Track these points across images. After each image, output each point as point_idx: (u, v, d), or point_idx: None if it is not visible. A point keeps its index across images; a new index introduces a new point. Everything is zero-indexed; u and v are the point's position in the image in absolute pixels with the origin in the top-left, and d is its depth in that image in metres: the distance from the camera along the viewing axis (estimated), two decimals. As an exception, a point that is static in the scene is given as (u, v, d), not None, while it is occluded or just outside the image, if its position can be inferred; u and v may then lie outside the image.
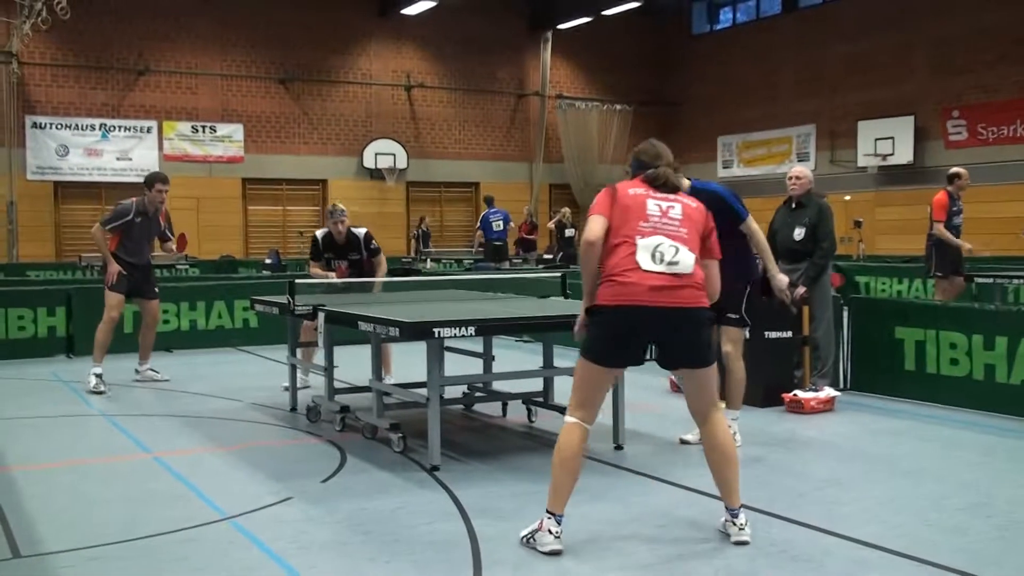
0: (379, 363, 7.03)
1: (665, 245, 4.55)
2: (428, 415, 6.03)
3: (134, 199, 9.61)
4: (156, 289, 9.97)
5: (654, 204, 4.65)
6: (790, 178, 8.51)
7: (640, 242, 4.54)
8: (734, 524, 4.63)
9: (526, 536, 4.59)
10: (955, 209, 11.77)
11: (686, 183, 5.34)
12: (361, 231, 8.98)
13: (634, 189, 4.71)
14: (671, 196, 4.72)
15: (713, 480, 4.73)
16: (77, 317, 11.79)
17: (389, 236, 24.69)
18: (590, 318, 4.68)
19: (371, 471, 6.04)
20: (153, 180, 9.62)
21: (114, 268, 9.48)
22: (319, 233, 9.05)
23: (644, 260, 4.52)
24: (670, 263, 4.53)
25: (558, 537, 4.49)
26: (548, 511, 4.55)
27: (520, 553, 4.48)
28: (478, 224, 19.95)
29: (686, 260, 4.55)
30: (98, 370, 9.19)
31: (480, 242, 20.65)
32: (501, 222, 19.71)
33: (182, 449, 6.76)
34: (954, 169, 12.12)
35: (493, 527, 4.85)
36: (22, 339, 11.54)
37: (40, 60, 23.63)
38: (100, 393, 8.96)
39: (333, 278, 8.86)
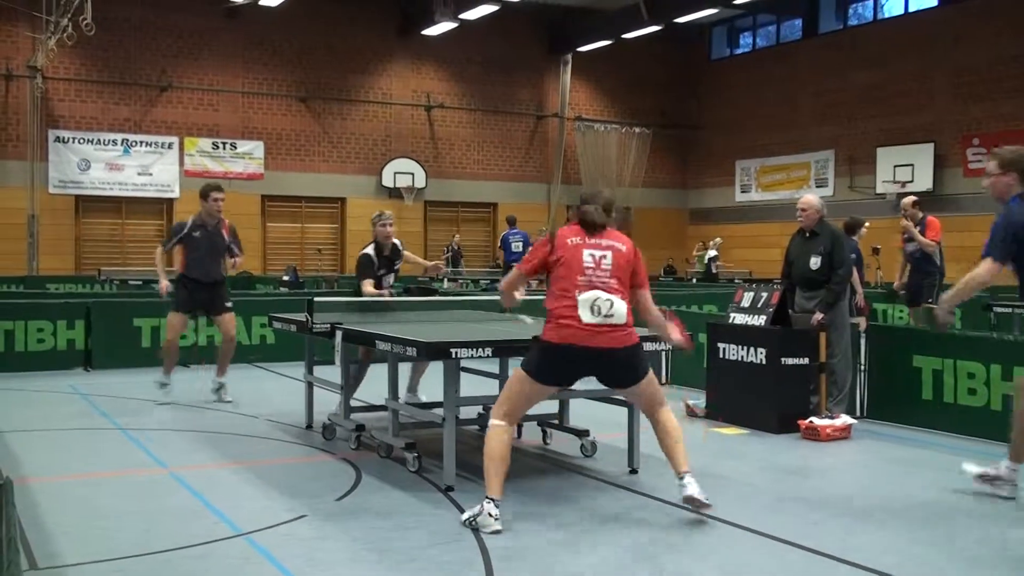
0: (395, 382, 7.04)
1: (602, 299, 5.31)
2: (444, 435, 6.04)
3: (192, 215, 9.59)
4: (228, 303, 9.63)
5: (588, 255, 5.40)
6: (797, 209, 8.56)
7: (579, 297, 5.30)
8: (681, 483, 5.46)
9: (469, 519, 5.18)
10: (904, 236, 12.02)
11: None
12: (397, 240, 8.98)
13: (572, 239, 5.45)
14: (604, 243, 5.44)
15: (666, 457, 5.62)
16: (96, 330, 11.87)
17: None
18: (536, 344, 5.45)
19: (386, 490, 6.04)
20: (208, 190, 9.57)
21: (162, 284, 9.55)
22: (369, 250, 8.76)
23: (584, 314, 5.29)
24: (606, 315, 5.31)
25: (497, 519, 5.10)
26: (488, 496, 5.17)
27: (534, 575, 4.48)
28: (499, 244, 19.96)
29: (620, 310, 5.35)
30: (164, 380, 9.40)
31: (499, 261, 20.63)
32: (521, 243, 19.73)
33: (198, 464, 6.79)
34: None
35: (506, 548, 4.84)
36: (41, 352, 11.62)
37: (64, 75, 23.87)
38: (166, 404, 9.16)
39: (386, 295, 8.85)
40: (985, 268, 5.54)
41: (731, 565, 4.66)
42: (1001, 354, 7.70)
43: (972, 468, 6.02)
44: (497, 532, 5.04)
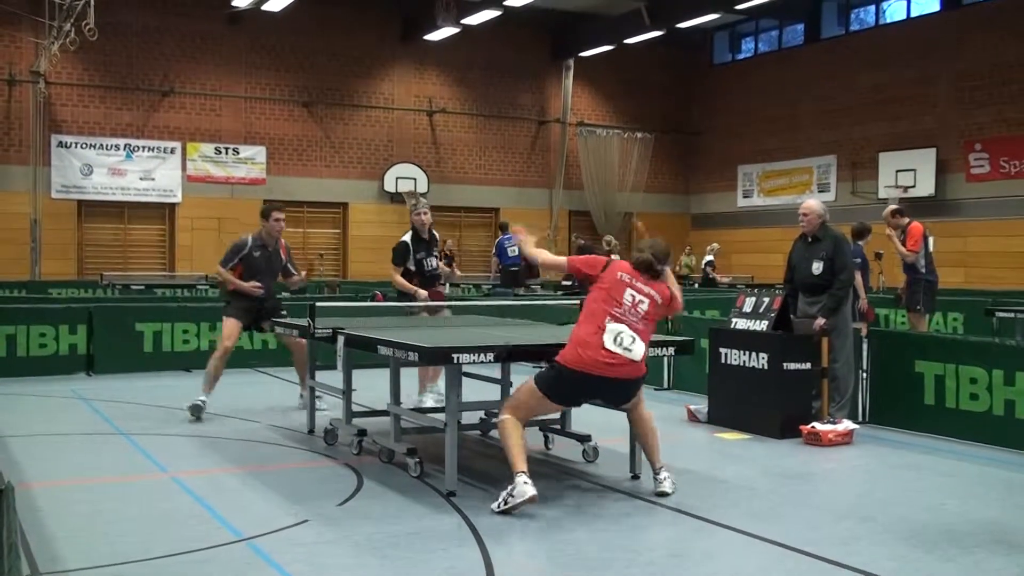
0: (397, 387, 7.04)
1: (626, 333, 5.79)
2: (445, 440, 6.04)
3: (250, 233, 9.36)
4: (283, 312, 9.33)
5: (629, 294, 5.88)
6: (799, 214, 8.58)
7: (608, 326, 5.78)
8: (656, 478, 6.03)
9: (501, 501, 5.56)
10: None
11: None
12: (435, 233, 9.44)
13: (623, 274, 5.96)
14: (646, 290, 5.90)
15: (641, 448, 6.26)
16: (98, 335, 11.88)
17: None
18: (554, 365, 5.87)
19: (388, 495, 6.04)
20: (270, 210, 9.34)
21: (250, 285, 9.12)
22: (406, 237, 9.26)
23: (608, 342, 5.76)
24: (626, 348, 5.77)
25: (531, 485, 5.52)
26: (518, 471, 5.58)
27: (535, 581, 4.48)
28: (494, 250, 19.98)
29: (638, 350, 5.82)
30: (203, 398, 8.78)
31: (497, 268, 20.63)
32: (516, 248, 19.74)
33: (200, 469, 6.79)
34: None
35: (508, 553, 4.84)
36: (43, 356, 11.63)
37: (67, 80, 23.90)
38: (196, 420, 8.64)
39: (420, 293, 8.99)
40: None
41: (733, 570, 4.66)
42: (1003, 359, 7.70)
43: None
44: (533, 499, 5.47)
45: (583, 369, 5.76)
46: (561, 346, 6.58)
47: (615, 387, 5.94)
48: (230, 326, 9.10)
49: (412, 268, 9.21)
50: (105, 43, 21.40)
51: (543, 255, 6.58)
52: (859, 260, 11.44)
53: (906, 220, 12.42)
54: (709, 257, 24.37)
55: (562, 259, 6.57)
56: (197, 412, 8.72)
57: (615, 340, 5.77)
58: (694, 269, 27.01)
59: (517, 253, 19.74)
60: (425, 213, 9.31)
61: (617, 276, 5.95)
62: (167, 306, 13.02)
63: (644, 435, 6.22)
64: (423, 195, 26.84)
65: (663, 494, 5.95)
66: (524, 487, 5.51)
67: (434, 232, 9.46)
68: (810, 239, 8.56)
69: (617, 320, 5.81)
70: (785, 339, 8.22)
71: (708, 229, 30.41)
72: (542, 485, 6.38)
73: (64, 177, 23.83)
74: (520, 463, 5.65)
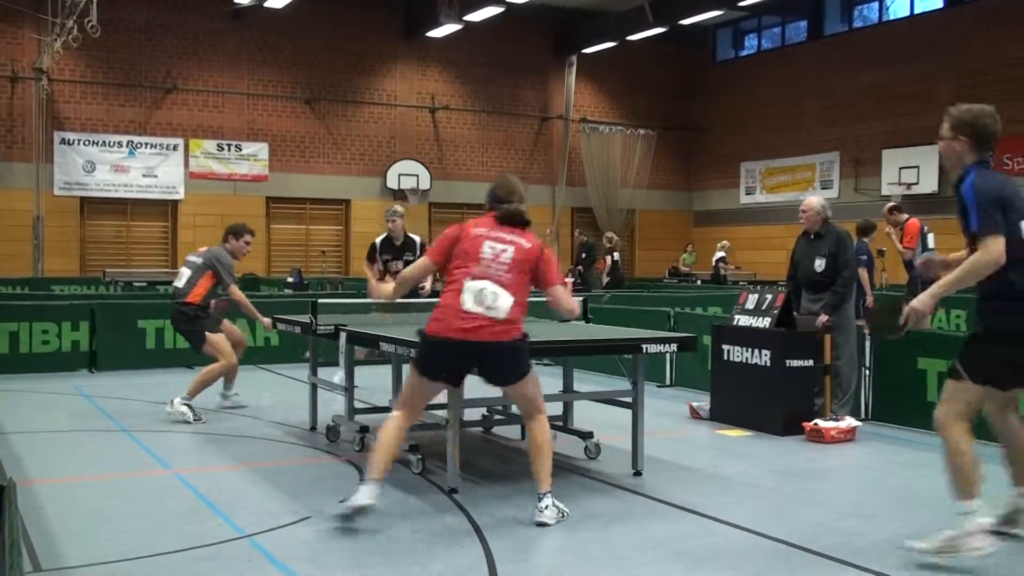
0: (399, 384, 7.03)
1: (488, 290, 5.26)
2: (447, 437, 6.04)
3: (227, 247, 9.17)
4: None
5: (489, 247, 5.37)
6: (800, 211, 8.60)
7: (467, 284, 5.27)
8: (537, 506, 5.33)
9: (347, 502, 5.18)
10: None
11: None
12: (417, 237, 9.77)
13: (478, 229, 5.46)
14: (508, 237, 5.40)
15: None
16: (100, 332, 11.89)
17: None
18: (420, 336, 5.45)
19: (389, 492, 6.03)
20: (244, 231, 9.26)
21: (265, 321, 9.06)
22: (378, 238, 9.88)
23: (467, 302, 5.24)
24: (488, 307, 5.23)
25: (370, 496, 5.16)
26: (368, 477, 5.23)
27: (537, 578, 4.48)
28: None
29: (503, 305, 5.26)
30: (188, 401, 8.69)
31: None
32: None
33: (202, 466, 6.79)
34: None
35: (510, 550, 4.84)
36: (46, 353, 11.64)
37: (70, 77, 23.90)
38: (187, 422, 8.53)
39: (373, 290, 9.13)
40: (997, 248, 4.53)
41: (736, 568, 4.65)
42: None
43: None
44: (362, 510, 5.11)
45: (441, 334, 5.28)
46: (563, 343, 6.61)
47: (481, 354, 5.32)
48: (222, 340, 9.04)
49: (380, 268, 9.73)
50: (108, 40, 21.41)
51: (399, 282, 5.86)
52: (864, 257, 11.43)
53: (904, 217, 12.42)
54: (721, 254, 24.35)
55: (420, 262, 5.78)
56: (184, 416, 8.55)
57: (476, 298, 5.23)
58: (694, 267, 27.04)
59: None
60: (393, 221, 9.73)
61: (473, 233, 5.43)
62: (169, 303, 12.99)
63: (530, 452, 5.50)
64: (423, 192, 26.84)
65: (542, 524, 5.25)
66: (358, 494, 5.15)
67: (412, 238, 9.78)
68: (813, 236, 8.56)
69: (477, 277, 5.28)
70: (788, 336, 8.21)
71: (711, 226, 30.38)
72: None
73: (67, 174, 23.84)
74: (373, 470, 5.25)
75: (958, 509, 4.68)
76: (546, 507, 5.30)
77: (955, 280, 4.66)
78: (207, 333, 8.92)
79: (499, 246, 5.36)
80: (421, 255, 9.14)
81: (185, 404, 8.57)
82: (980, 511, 4.67)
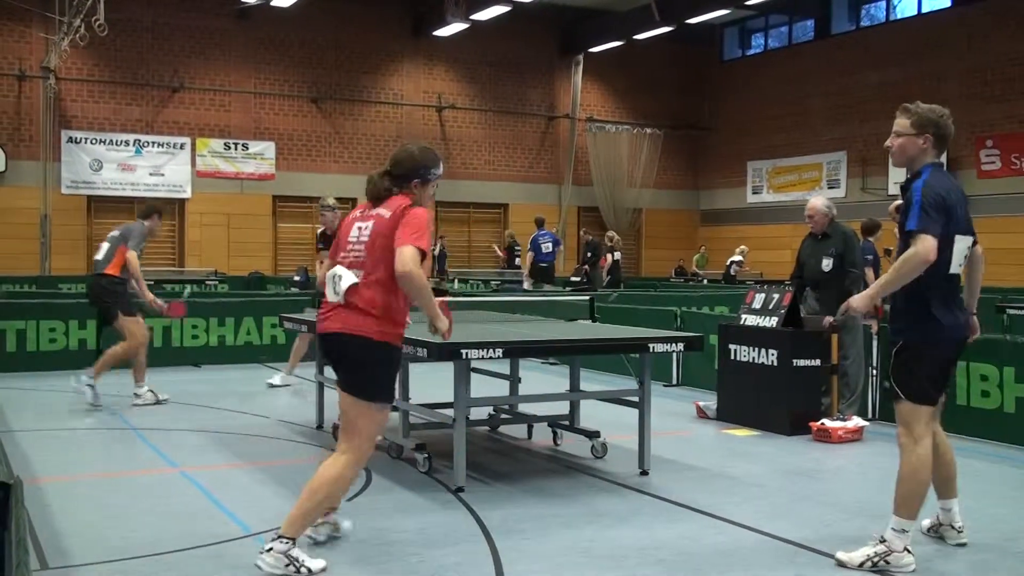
0: (406, 383, 7.03)
1: (336, 275, 4.61)
2: (454, 436, 6.03)
3: (147, 224, 9.53)
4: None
5: (355, 229, 4.70)
6: (805, 216, 8.60)
7: (328, 275, 4.66)
8: (317, 525, 4.74)
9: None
10: None
11: None
12: None
13: (353, 214, 4.83)
14: (372, 212, 4.70)
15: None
16: (107, 330, 11.87)
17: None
18: None
19: (396, 491, 6.04)
20: (156, 211, 9.76)
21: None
22: (320, 229, 10.30)
23: (328, 292, 4.64)
24: (336, 292, 4.59)
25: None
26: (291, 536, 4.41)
27: (544, 577, 4.47)
28: (528, 246, 19.87)
29: (343, 286, 4.55)
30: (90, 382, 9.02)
31: (528, 264, 20.36)
32: (550, 244, 19.65)
33: (209, 464, 6.80)
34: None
35: (516, 549, 4.83)
36: (53, 351, 11.65)
37: (77, 76, 23.94)
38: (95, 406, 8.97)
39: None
40: (927, 246, 4.42)
41: (743, 568, 4.64)
42: (1014, 356, 7.66)
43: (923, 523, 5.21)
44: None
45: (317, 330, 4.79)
46: (570, 342, 6.59)
47: (330, 348, 4.67)
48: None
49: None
50: (115, 39, 21.46)
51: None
52: (871, 257, 11.39)
53: None
54: (739, 257, 24.32)
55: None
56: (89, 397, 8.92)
57: (332, 286, 4.62)
58: (705, 267, 27.03)
59: (551, 250, 19.72)
60: (323, 215, 10.16)
61: (347, 220, 4.85)
62: (181, 301, 13.04)
63: (307, 485, 4.54)
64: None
65: (316, 543, 4.79)
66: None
67: None
68: (820, 236, 8.55)
69: (340, 263, 4.66)
70: (795, 335, 8.20)
71: (717, 225, 30.36)
72: (551, 481, 6.38)
73: (74, 172, 23.88)
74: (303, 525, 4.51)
75: (895, 524, 4.61)
76: (265, 550, 4.37)
77: (888, 281, 4.61)
78: (121, 312, 9.17)
79: (363, 224, 4.69)
80: None
81: (88, 384, 8.94)
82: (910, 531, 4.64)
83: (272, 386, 10.38)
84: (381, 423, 4.66)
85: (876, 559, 4.57)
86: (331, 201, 10.32)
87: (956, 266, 4.65)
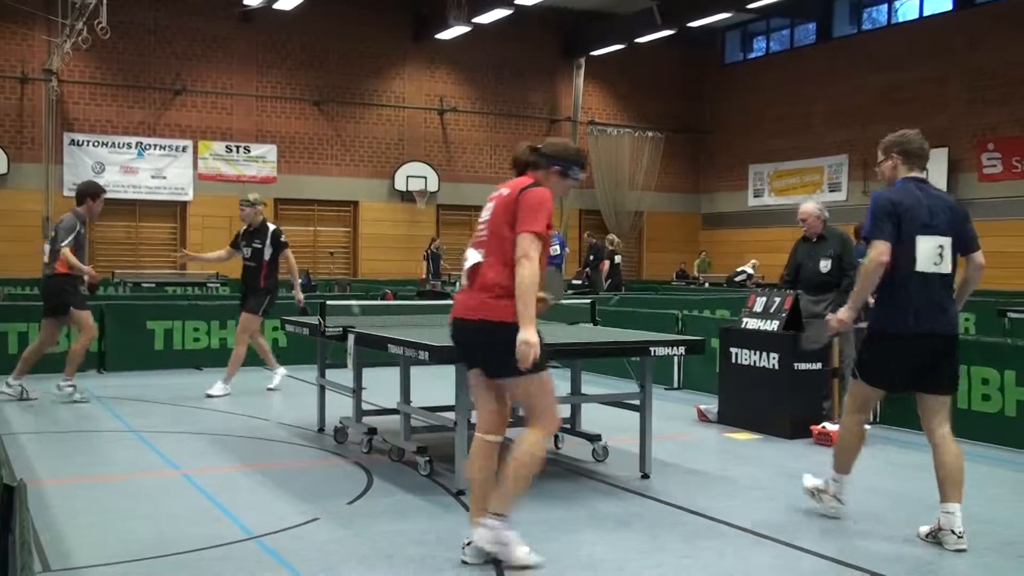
0: (407, 386, 7.05)
1: (466, 256, 4.66)
2: (455, 439, 6.04)
3: (80, 210, 9.77)
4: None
5: (485, 210, 4.72)
6: (799, 220, 8.66)
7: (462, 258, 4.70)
8: (481, 521, 4.60)
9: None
10: None
11: None
12: (272, 226, 10.30)
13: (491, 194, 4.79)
14: (496, 193, 4.70)
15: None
16: (109, 333, 11.91)
17: (418, 258, 24.78)
18: None
19: (397, 494, 6.05)
20: (100, 192, 9.96)
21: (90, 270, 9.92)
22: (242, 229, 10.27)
23: (462, 278, 4.67)
24: (465, 274, 4.64)
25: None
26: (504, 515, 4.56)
27: (545, 580, 4.48)
28: None
29: (466, 266, 4.60)
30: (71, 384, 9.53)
31: None
32: (558, 246, 19.67)
33: (211, 467, 6.80)
34: None
35: (518, 553, 4.83)
36: (55, 353, 11.61)
37: (79, 78, 23.99)
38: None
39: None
40: (877, 250, 4.96)
41: (744, 571, 4.65)
42: (1015, 360, 7.67)
43: (807, 481, 5.73)
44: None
45: (451, 315, 4.75)
46: (571, 345, 6.60)
47: (461, 336, 4.66)
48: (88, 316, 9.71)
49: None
50: (117, 42, 21.49)
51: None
52: (863, 260, 11.40)
53: None
54: (750, 270, 24.32)
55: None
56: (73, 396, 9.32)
57: (464, 272, 4.64)
58: (706, 271, 27.06)
59: (559, 252, 19.73)
60: (242, 209, 10.28)
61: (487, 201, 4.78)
62: (178, 304, 13.08)
63: (504, 467, 4.57)
64: (431, 193, 26.83)
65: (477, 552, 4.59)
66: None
67: (267, 226, 10.31)
68: (815, 239, 8.59)
69: (471, 247, 4.66)
70: (796, 339, 8.20)
71: (719, 228, 30.37)
72: (552, 485, 6.38)
73: (76, 175, 23.86)
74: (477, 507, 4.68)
75: (833, 475, 5.52)
76: (487, 524, 4.53)
77: (859, 289, 5.13)
78: (73, 308, 9.56)
79: (489, 204, 4.69)
80: (272, 243, 10.12)
81: (69, 385, 9.41)
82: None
83: (271, 390, 10.37)
84: (548, 386, 4.61)
85: (816, 491, 5.60)
86: (252, 196, 10.33)
87: (927, 264, 5.02)
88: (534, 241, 4.38)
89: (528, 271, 4.32)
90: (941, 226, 5.05)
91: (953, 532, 4.98)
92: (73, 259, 9.33)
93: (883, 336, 5.11)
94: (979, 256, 5.21)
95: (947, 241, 5.06)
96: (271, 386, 10.41)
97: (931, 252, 5.01)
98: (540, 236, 4.41)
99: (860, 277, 5.01)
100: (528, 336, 4.32)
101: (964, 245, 5.15)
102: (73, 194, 24.13)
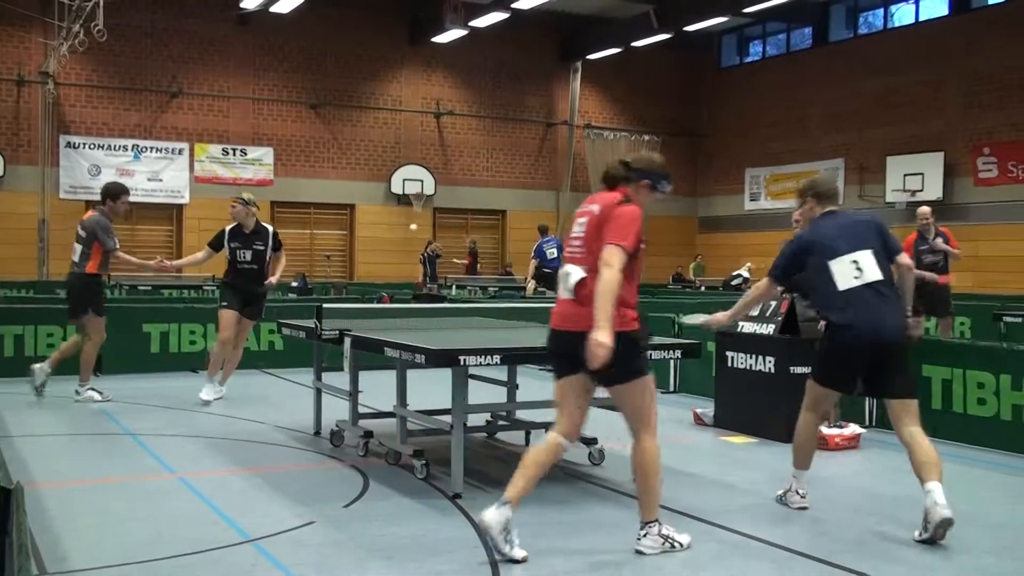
0: (403, 389, 7.05)
1: (565, 272, 4.86)
2: (451, 443, 6.05)
3: (104, 210, 10.03)
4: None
5: (576, 226, 4.94)
6: (793, 221, 8.64)
7: (561, 274, 4.93)
8: (641, 532, 4.93)
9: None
10: (923, 248, 11.68)
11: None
12: (270, 227, 10.16)
13: (579, 209, 5.02)
14: (586, 208, 4.91)
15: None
16: (106, 335, 11.87)
17: (415, 261, 24.78)
18: None
19: (394, 497, 6.05)
20: (121, 191, 10.18)
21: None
22: (228, 226, 10.02)
23: (561, 290, 4.89)
24: (567, 288, 4.82)
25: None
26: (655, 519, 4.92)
27: (541, 584, 4.48)
28: (532, 253, 19.80)
29: (571, 281, 4.79)
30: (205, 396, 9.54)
31: (531, 271, 20.23)
32: (555, 250, 19.64)
33: (207, 470, 6.80)
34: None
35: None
36: (40, 357, 11.62)
37: (76, 81, 23.98)
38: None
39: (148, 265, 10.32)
40: (764, 283, 6.11)
41: (739, 574, 4.65)
42: (1011, 364, 7.68)
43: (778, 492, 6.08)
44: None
45: (551, 326, 4.98)
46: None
47: (564, 344, 4.82)
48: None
49: (228, 256, 9.91)
50: (114, 44, 21.50)
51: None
52: None
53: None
54: (746, 274, 24.34)
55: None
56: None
57: (564, 284, 4.84)
58: (703, 274, 27.09)
59: (556, 255, 19.69)
60: (233, 207, 9.99)
61: (575, 217, 5.03)
62: (174, 307, 13.08)
63: (635, 475, 5.01)
64: (428, 197, 26.84)
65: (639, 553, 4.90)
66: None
67: (265, 227, 10.16)
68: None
69: (567, 261, 4.90)
70: (792, 343, 8.21)
71: (715, 232, 30.39)
72: (549, 488, 6.38)
73: (72, 178, 23.90)
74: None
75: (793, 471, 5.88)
76: (644, 535, 4.90)
77: (738, 306, 6.31)
78: (92, 311, 9.59)
79: (581, 220, 4.89)
80: (273, 244, 9.96)
81: (90, 389, 9.52)
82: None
83: (206, 402, 9.57)
84: (652, 387, 4.97)
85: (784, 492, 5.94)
86: (247, 195, 10.29)
87: (847, 281, 5.49)
88: (619, 253, 4.63)
89: (608, 276, 4.57)
90: (851, 244, 5.55)
91: (936, 504, 5.08)
92: (136, 260, 9.73)
93: (830, 343, 5.61)
94: (902, 258, 5.69)
95: (863, 254, 5.52)
96: (204, 396, 9.55)
97: (847, 270, 5.50)
98: (626, 250, 4.65)
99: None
100: (602, 337, 4.51)
101: (888, 251, 5.62)
102: (70, 197, 24.27)
